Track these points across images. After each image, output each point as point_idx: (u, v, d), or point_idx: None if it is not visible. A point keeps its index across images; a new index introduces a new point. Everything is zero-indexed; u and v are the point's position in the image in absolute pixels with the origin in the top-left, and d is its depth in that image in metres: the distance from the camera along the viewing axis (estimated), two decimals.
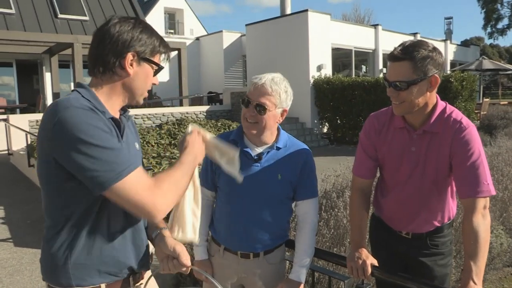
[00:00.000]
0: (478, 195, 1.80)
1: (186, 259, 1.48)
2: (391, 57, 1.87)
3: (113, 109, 1.49)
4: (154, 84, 1.57)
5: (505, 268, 4.42)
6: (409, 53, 1.82)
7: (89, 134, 1.28)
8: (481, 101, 17.36)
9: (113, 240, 1.47)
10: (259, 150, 2.06)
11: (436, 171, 1.96)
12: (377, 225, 2.28)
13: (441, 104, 1.96)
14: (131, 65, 1.46)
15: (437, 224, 2.07)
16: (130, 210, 1.35)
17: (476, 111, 14.70)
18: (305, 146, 2.14)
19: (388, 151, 2.06)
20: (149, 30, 1.51)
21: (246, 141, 2.07)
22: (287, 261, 2.34)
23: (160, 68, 1.54)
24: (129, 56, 1.44)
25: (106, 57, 1.44)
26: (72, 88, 12.60)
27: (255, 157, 2.03)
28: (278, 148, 2.06)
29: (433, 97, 1.92)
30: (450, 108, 1.96)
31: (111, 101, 1.48)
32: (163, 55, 1.55)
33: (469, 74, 12.81)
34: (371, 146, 2.11)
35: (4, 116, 11.32)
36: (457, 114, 1.93)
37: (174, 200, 1.41)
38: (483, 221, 1.79)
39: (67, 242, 1.40)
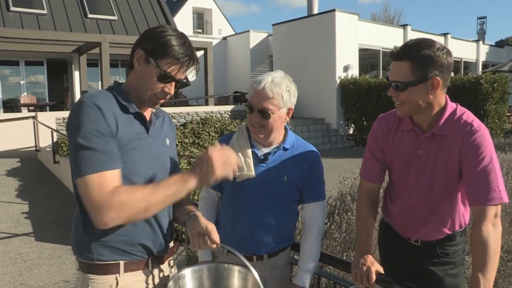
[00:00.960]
0: (488, 202, 1.69)
1: (216, 236, 1.53)
2: (391, 56, 1.79)
3: (140, 104, 1.58)
4: (167, 93, 1.56)
5: None
6: (408, 53, 1.73)
7: (79, 131, 1.39)
8: None
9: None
10: (265, 150, 2.01)
11: (445, 176, 1.86)
12: (386, 231, 2.19)
13: (451, 105, 1.86)
14: (138, 61, 1.53)
15: (447, 231, 1.97)
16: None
17: (508, 114, 14.25)
18: (313, 148, 2.08)
19: (396, 154, 1.98)
20: (174, 37, 1.52)
21: (252, 141, 2.03)
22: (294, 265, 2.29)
23: (165, 74, 1.51)
24: (137, 52, 1.53)
25: (131, 54, 1.57)
26: (100, 86, 12.97)
27: (261, 158, 1.99)
28: (285, 149, 2.01)
29: (439, 98, 1.82)
30: (461, 109, 1.85)
31: (135, 95, 1.58)
32: (176, 66, 1.52)
33: (501, 76, 12.43)
34: (378, 148, 2.03)
35: (33, 114, 11.62)
36: (468, 116, 1.82)
37: (129, 218, 1.40)
38: (493, 231, 1.69)
39: (87, 221, 1.47)
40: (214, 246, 1.53)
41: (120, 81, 1.62)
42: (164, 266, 1.68)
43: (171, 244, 1.75)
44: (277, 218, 2.00)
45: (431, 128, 1.86)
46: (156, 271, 1.63)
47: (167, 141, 1.71)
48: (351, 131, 15.97)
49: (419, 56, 1.71)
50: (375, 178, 2.07)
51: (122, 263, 1.52)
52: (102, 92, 1.52)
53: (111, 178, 1.38)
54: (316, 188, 2.03)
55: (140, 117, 1.56)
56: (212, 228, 1.54)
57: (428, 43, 1.75)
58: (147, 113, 1.63)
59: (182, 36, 1.55)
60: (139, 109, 1.56)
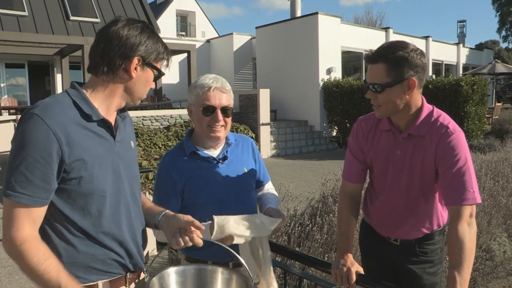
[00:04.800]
0: (463, 202, 1.74)
1: (199, 225, 1.50)
2: (366, 59, 1.84)
3: (109, 109, 1.50)
4: (151, 87, 1.62)
5: (509, 277, 4.30)
6: (383, 55, 1.78)
7: (21, 151, 1.30)
8: (493, 105, 17.11)
9: (101, 240, 1.44)
10: (217, 151, 2.02)
11: (422, 176, 1.90)
12: (366, 231, 2.23)
13: (428, 107, 1.91)
14: (135, 69, 1.47)
15: (425, 231, 2.01)
16: None
17: (487, 116, 14.49)
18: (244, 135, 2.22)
19: (375, 155, 2.02)
20: (156, 36, 1.53)
21: (200, 148, 2.01)
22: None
23: (160, 74, 1.56)
24: (135, 60, 1.45)
25: (113, 58, 1.44)
26: None
27: (220, 158, 1.99)
28: (230, 144, 2.05)
29: (416, 98, 1.86)
30: (437, 111, 1.90)
31: (107, 102, 1.48)
32: (165, 62, 1.58)
33: (480, 78, 12.63)
34: (359, 149, 2.07)
35: (14, 117, 11.45)
36: (444, 118, 1.87)
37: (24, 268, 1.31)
38: (468, 230, 1.73)
39: (57, 241, 1.40)
40: (200, 240, 1.48)
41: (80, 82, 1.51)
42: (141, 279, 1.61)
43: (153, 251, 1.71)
44: (252, 211, 2.02)
45: (408, 128, 1.90)
46: (133, 286, 1.56)
47: (132, 144, 1.64)
48: (334, 133, 16.06)
49: (393, 58, 1.76)
50: (356, 179, 2.10)
51: (100, 283, 1.44)
52: (58, 100, 1.39)
53: (32, 216, 1.32)
54: (264, 169, 2.18)
55: (105, 124, 1.47)
56: (192, 218, 1.51)
57: (402, 45, 1.80)
58: (112, 117, 1.53)
59: (152, 29, 1.54)
60: (103, 115, 1.46)
